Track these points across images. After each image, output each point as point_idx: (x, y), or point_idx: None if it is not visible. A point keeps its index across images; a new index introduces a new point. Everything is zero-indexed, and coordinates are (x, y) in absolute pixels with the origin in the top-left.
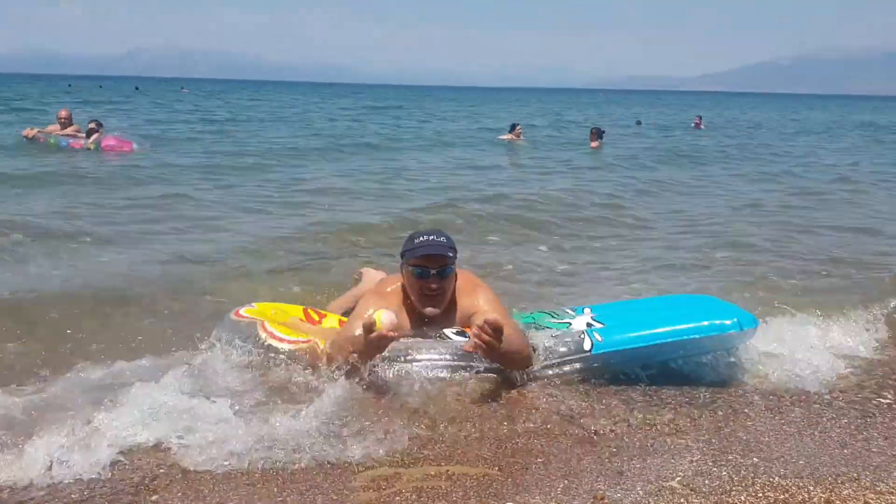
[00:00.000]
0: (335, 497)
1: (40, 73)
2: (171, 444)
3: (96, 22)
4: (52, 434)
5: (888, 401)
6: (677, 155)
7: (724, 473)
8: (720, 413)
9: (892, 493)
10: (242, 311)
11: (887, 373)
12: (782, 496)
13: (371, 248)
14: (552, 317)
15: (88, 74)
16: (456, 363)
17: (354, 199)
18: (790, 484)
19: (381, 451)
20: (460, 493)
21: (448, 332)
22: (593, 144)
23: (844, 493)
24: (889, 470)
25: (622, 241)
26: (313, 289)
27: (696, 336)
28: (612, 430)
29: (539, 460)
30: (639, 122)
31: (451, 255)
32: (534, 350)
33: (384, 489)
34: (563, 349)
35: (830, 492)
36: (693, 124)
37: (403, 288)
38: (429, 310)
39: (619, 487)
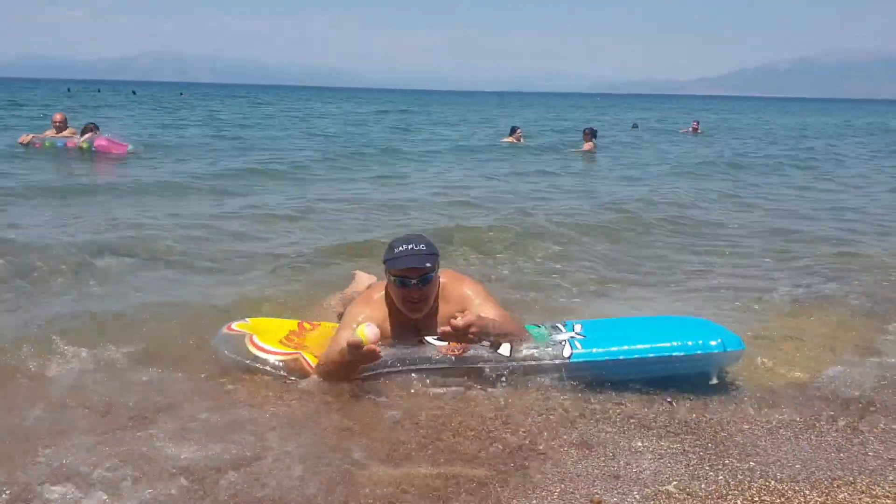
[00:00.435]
0: (334, 499)
1: (40, 77)
2: None
3: (96, 26)
4: None
5: (883, 405)
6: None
7: (721, 477)
8: (716, 417)
9: (887, 496)
10: (234, 325)
11: (883, 376)
12: (778, 500)
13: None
14: (538, 328)
15: (88, 79)
16: (450, 367)
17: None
18: (786, 488)
19: (377, 454)
20: (457, 498)
21: (430, 339)
22: (586, 146)
23: (840, 497)
24: (885, 474)
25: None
26: None
27: (678, 353)
28: (608, 434)
29: (535, 464)
30: (635, 126)
31: (429, 264)
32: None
33: (380, 492)
34: (541, 353)
35: (826, 496)
36: (690, 128)
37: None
38: (413, 315)
39: (615, 491)
